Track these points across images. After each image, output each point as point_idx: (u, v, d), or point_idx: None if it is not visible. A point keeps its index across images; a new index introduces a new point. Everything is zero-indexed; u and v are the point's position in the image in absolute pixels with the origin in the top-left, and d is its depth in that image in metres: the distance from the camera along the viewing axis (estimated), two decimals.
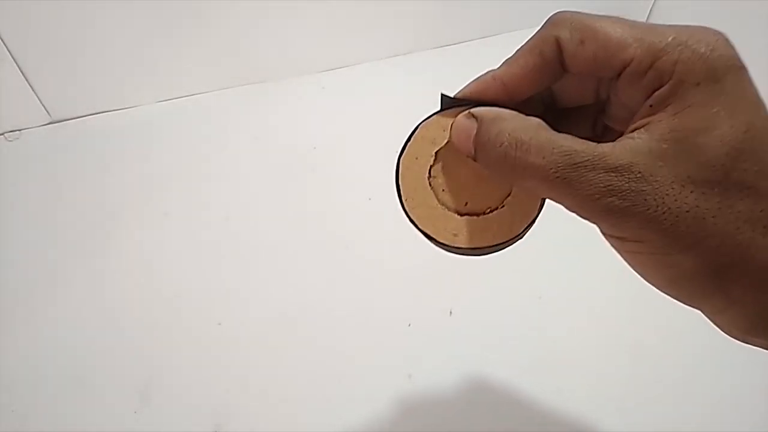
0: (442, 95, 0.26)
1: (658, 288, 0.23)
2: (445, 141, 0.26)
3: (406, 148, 0.27)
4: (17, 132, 0.68)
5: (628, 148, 0.20)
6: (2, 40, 0.61)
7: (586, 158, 0.20)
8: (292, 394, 0.44)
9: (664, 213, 0.19)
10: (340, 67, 0.75)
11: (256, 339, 0.48)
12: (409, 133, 0.27)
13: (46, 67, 0.65)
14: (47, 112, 0.68)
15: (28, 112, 0.67)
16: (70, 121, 0.69)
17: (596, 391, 0.44)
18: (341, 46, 0.74)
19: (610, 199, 0.20)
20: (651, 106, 0.21)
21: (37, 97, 0.67)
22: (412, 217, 0.26)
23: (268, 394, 0.44)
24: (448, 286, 0.50)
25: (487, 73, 0.25)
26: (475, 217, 0.25)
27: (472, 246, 0.25)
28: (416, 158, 0.26)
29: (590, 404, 0.43)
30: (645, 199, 0.19)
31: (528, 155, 0.21)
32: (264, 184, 0.61)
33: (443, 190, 0.26)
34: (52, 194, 0.61)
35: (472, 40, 0.79)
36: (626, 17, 0.24)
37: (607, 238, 0.23)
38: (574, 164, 0.20)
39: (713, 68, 0.20)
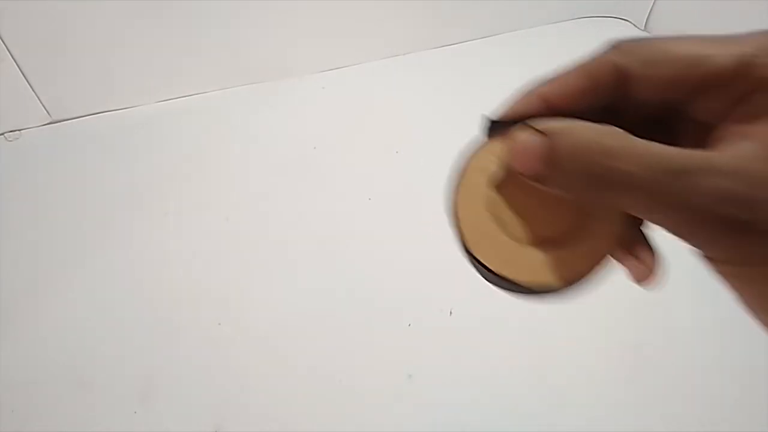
0: (486, 119, 0.23)
1: None
2: (499, 168, 0.22)
3: (459, 185, 0.23)
4: (17, 132, 0.68)
5: (738, 153, 0.17)
6: (2, 40, 0.61)
7: (692, 162, 0.17)
8: (292, 394, 0.44)
9: None
10: (340, 67, 0.75)
11: (256, 339, 0.48)
12: (459, 168, 0.23)
13: (46, 67, 0.65)
14: (47, 112, 0.68)
15: (28, 112, 0.67)
16: (70, 121, 0.69)
17: (596, 391, 0.44)
18: (341, 46, 0.74)
19: (728, 210, 0.16)
20: (749, 114, 0.18)
21: (37, 97, 0.67)
22: (485, 263, 0.21)
23: (268, 394, 0.44)
24: (448, 286, 0.50)
25: (528, 90, 0.22)
26: (556, 249, 0.21)
27: (566, 280, 0.21)
28: (472, 194, 0.22)
29: (591, 404, 0.43)
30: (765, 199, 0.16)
31: (618, 163, 0.18)
32: (264, 184, 0.61)
33: (509, 225, 0.22)
34: (52, 194, 0.61)
35: (472, 40, 0.79)
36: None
37: (715, 266, 0.19)
38: (677, 170, 0.17)
39: None
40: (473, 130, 0.24)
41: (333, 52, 0.74)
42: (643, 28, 0.80)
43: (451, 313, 0.49)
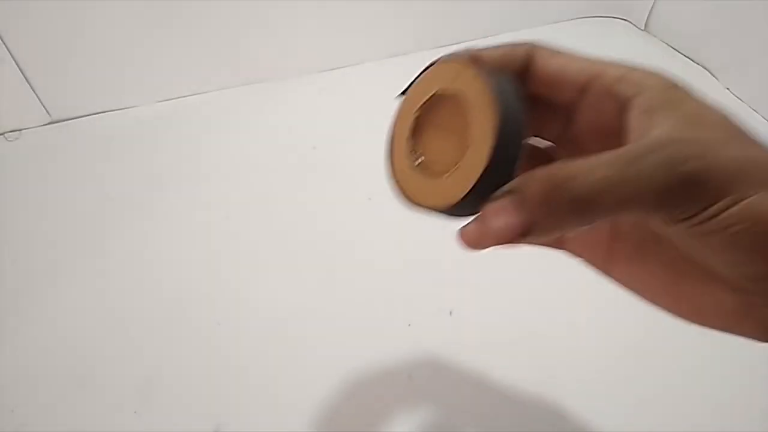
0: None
1: (745, 274, 0.21)
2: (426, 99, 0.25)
3: (394, 123, 0.26)
4: (17, 132, 0.68)
5: (663, 132, 0.21)
6: (2, 40, 0.61)
7: (638, 147, 0.20)
8: (291, 395, 0.44)
9: (732, 161, 0.20)
10: (340, 67, 0.75)
11: (256, 339, 0.48)
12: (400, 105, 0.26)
13: (46, 67, 0.65)
14: (47, 112, 0.68)
15: (28, 112, 0.68)
16: (70, 121, 0.69)
17: (596, 392, 0.44)
18: (341, 46, 0.74)
19: (687, 165, 0.19)
20: (643, 112, 0.22)
21: (37, 97, 0.67)
22: (403, 192, 0.25)
23: (268, 394, 0.44)
24: (448, 286, 0.50)
25: (465, 50, 0.26)
26: (442, 176, 0.23)
27: (448, 203, 0.23)
28: (401, 127, 0.25)
29: (591, 404, 0.43)
30: (712, 155, 0.20)
31: (586, 178, 0.20)
32: (264, 184, 0.61)
33: (424, 158, 0.25)
34: (52, 194, 0.61)
35: (472, 40, 0.79)
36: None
37: (693, 229, 0.20)
38: (632, 158, 0.20)
39: (671, 79, 0.23)
40: None
41: (333, 52, 0.74)
42: (643, 28, 0.80)
43: (451, 313, 0.49)
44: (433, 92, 0.24)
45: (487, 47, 0.25)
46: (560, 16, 0.82)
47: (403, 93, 0.26)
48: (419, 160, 0.24)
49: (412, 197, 0.24)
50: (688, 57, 0.75)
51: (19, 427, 0.43)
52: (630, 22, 0.82)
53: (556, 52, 0.25)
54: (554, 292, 0.50)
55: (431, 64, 0.25)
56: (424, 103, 0.25)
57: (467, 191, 0.22)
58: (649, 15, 0.80)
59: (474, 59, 0.24)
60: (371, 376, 0.45)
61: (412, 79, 0.26)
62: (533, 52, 0.25)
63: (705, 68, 0.73)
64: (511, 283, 0.50)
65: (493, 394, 0.44)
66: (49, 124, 0.69)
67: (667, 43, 0.78)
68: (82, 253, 0.55)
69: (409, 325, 0.48)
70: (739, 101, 0.67)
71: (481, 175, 0.21)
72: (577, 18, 0.82)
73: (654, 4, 0.78)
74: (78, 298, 0.51)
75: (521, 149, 0.22)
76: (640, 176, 0.19)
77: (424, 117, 0.25)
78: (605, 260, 0.28)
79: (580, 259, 0.29)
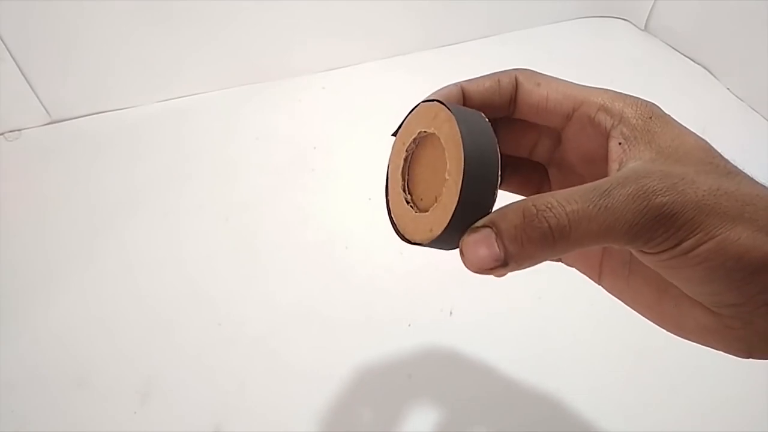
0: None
1: (720, 302, 0.21)
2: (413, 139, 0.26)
3: (390, 155, 0.28)
4: (17, 132, 0.68)
5: (639, 165, 0.21)
6: (2, 40, 0.61)
7: (611, 181, 0.21)
8: (291, 394, 0.44)
9: (703, 196, 0.20)
10: (340, 67, 0.75)
11: (256, 339, 0.48)
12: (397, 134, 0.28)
13: (46, 67, 0.65)
14: (47, 112, 0.68)
15: (28, 112, 0.67)
16: (70, 121, 0.69)
17: (596, 391, 0.44)
18: (341, 46, 0.74)
19: (657, 199, 0.20)
20: (620, 143, 0.23)
21: (37, 97, 0.67)
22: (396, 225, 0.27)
23: (268, 394, 0.44)
24: (448, 286, 0.50)
25: (455, 83, 0.27)
26: (427, 212, 0.25)
27: (428, 237, 0.24)
28: (395, 164, 0.27)
29: (590, 404, 0.43)
30: (683, 189, 0.20)
31: (560, 209, 0.20)
32: (264, 184, 0.61)
33: (411, 191, 0.27)
34: (52, 194, 0.61)
35: (472, 40, 0.79)
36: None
37: (667, 262, 0.21)
38: (605, 190, 0.20)
39: (650, 108, 0.24)
40: None
41: (333, 52, 0.74)
42: (643, 28, 0.80)
43: (451, 313, 0.49)
44: (417, 132, 0.26)
45: (474, 79, 0.26)
46: (560, 16, 0.82)
47: (395, 133, 0.28)
48: (409, 196, 0.26)
49: (403, 233, 0.26)
50: (688, 57, 0.75)
51: (19, 427, 0.43)
52: (630, 22, 0.82)
53: (538, 83, 0.26)
54: (554, 292, 0.50)
55: (417, 105, 0.27)
56: (411, 142, 0.26)
57: (445, 226, 0.23)
58: (649, 15, 0.80)
59: (448, 99, 0.26)
60: (371, 376, 0.45)
61: (403, 117, 0.27)
62: (518, 83, 0.26)
63: (705, 68, 0.72)
64: (511, 283, 0.50)
65: (493, 394, 0.44)
66: (49, 124, 0.69)
67: (667, 43, 0.78)
68: (82, 252, 0.55)
69: (409, 325, 0.48)
70: (739, 101, 0.67)
71: (455, 211, 0.22)
72: (577, 18, 0.82)
73: (654, 4, 0.78)
74: (78, 298, 0.51)
75: (495, 182, 0.23)
76: (610, 210, 0.20)
77: (413, 155, 0.27)
78: (596, 273, 0.29)
79: (575, 268, 0.30)
